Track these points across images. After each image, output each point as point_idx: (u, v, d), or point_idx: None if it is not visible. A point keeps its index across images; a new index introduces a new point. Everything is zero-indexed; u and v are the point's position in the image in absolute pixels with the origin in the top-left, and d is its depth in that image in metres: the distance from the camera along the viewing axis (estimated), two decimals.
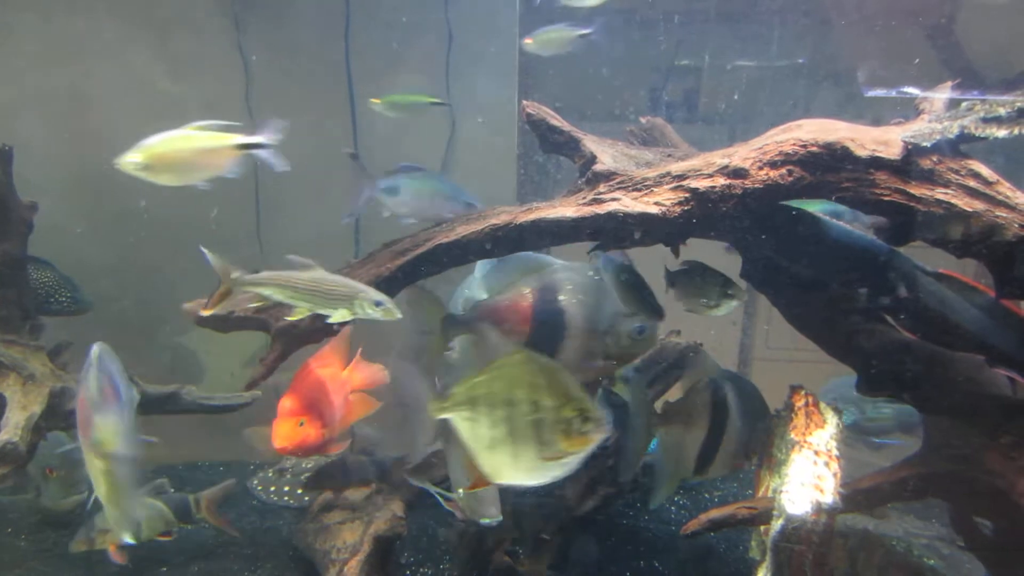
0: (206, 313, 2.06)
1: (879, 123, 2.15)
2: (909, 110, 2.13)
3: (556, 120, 2.26)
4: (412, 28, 3.47)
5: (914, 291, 2.06)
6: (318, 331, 2.20)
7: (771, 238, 2.13)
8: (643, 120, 2.62)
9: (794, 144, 1.86)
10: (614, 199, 1.93)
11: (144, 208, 3.27)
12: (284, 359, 2.26)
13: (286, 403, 2.20)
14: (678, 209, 1.88)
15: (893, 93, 3.96)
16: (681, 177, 1.91)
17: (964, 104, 1.84)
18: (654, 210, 1.87)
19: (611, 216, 1.89)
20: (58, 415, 2.43)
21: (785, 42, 3.88)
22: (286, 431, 2.14)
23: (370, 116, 3.56)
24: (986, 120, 1.75)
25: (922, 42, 3.89)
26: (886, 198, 1.79)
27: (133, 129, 3.09)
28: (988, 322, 2.02)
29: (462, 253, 2.11)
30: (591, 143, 2.20)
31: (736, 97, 4.72)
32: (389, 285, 2.19)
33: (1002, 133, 1.74)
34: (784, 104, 4.23)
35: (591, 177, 2.08)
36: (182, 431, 2.99)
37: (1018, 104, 1.76)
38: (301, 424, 2.14)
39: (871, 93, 3.86)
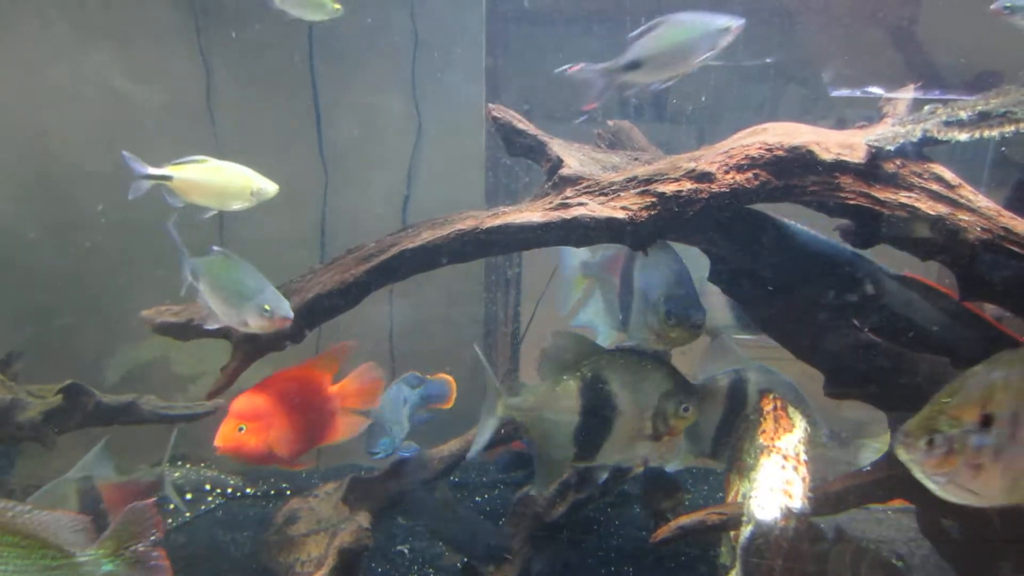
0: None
1: (844, 124, 2.16)
2: (874, 111, 2.14)
3: (522, 123, 2.24)
4: (377, 30, 3.43)
5: (878, 294, 2.07)
6: (280, 339, 2.14)
7: (737, 242, 2.12)
8: (610, 123, 2.61)
9: (760, 148, 1.85)
10: (581, 204, 1.91)
11: (101, 212, 3.19)
12: (245, 368, 2.20)
13: (236, 404, 2.15)
14: (645, 214, 1.86)
15: (858, 93, 4.06)
16: (648, 181, 1.90)
17: (927, 107, 1.85)
18: (621, 215, 1.85)
19: (577, 221, 1.87)
20: (7, 426, 2.34)
21: (753, 43, 3.89)
22: (225, 432, 2.12)
23: (335, 119, 3.52)
24: (948, 123, 1.76)
25: (886, 43, 3.97)
26: (851, 202, 1.79)
27: (89, 131, 3.02)
28: (952, 324, 2.04)
29: (428, 258, 2.07)
30: (557, 147, 2.18)
31: (704, 98, 4.75)
32: (354, 291, 2.15)
33: (964, 136, 1.75)
34: (751, 105, 4.26)
35: (557, 181, 2.06)
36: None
37: (979, 108, 1.76)
38: (241, 429, 2.10)
39: (836, 93, 3.94)
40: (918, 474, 1.36)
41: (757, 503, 1.79)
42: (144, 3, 3.38)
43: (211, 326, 2.06)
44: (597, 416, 2.11)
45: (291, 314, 1.98)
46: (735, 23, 2.08)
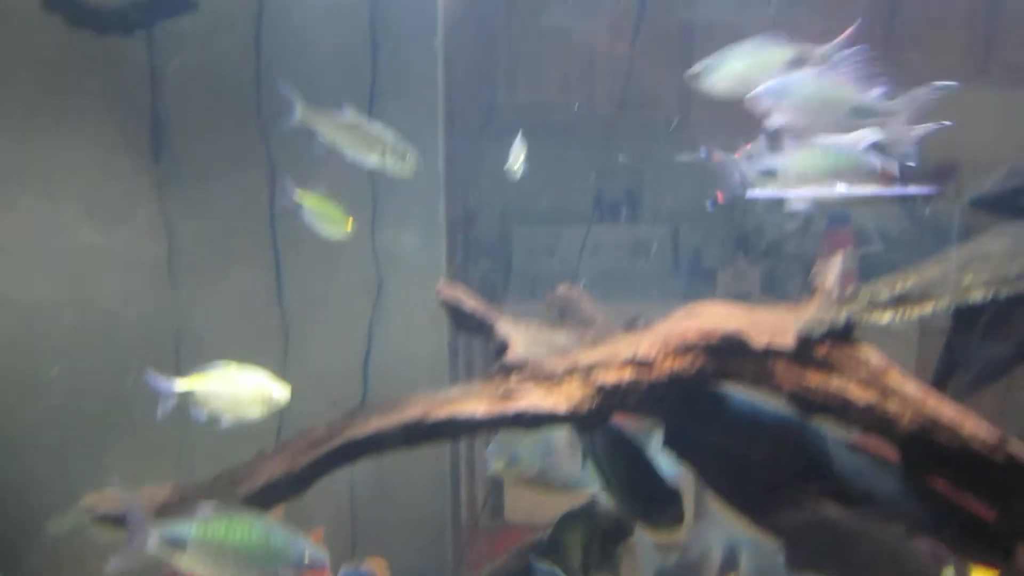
0: None
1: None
2: None
3: (470, 303, 2.30)
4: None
5: (828, 463, 2.09)
6: None
7: (687, 417, 2.14)
8: (560, 289, 2.67)
9: (696, 333, 1.91)
10: (525, 393, 1.94)
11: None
12: None
13: None
14: (587, 405, 1.89)
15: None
16: (589, 369, 1.93)
17: (850, 288, 1.92)
18: (563, 408, 1.88)
19: (520, 415, 1.90)
20: None
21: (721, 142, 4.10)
22: None
23: (296, 278, 3.57)
24: (871, 305, 1.83)
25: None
26: (786, 388, 1.83)
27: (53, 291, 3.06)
28: (902, 492, 2.05)
29: (375, 447, 2.08)
30: (504, 326, 2.22)
31: (677, 196, 4.94)
32: (302, 479, 2.13)
33: (886, 319, 1.81)
34: (722, 204, 4.46)
35: (504, 366, 2.10)
36: None
37: (898, 289, 1.84)
38: None
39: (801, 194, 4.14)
40: None
41: None
42: (108, 169, 3.46)
43: None
44: None
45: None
46: (889, 166, 1.96)
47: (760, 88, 1.97)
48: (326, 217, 2.74)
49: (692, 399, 2.10)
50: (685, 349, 1.90)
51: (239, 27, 3.20)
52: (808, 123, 1.98)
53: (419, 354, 3.59)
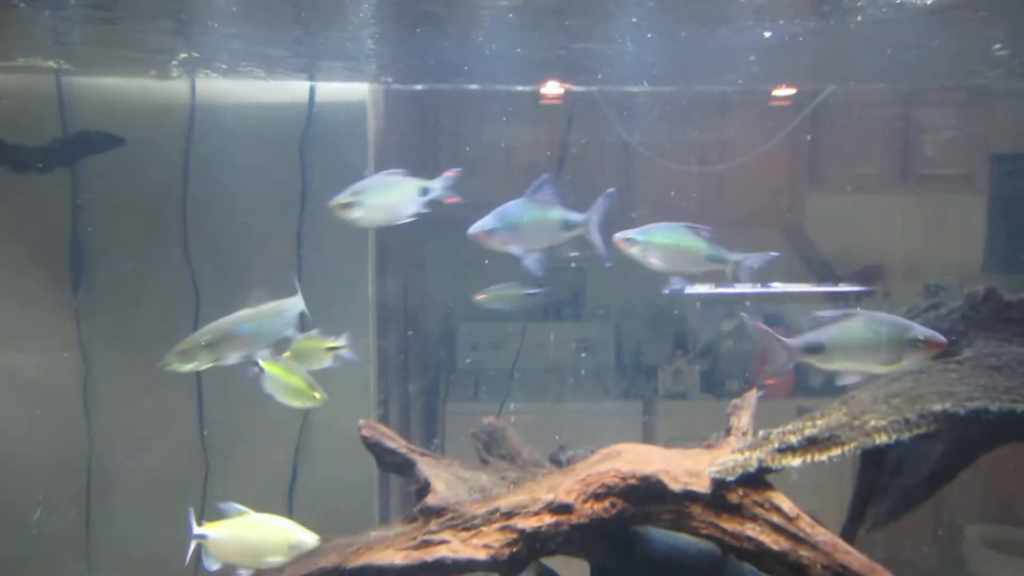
0: None
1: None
2: None
3: (391, 441, 2.29)
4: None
5: None
6: None
7: (610, 555, 2.13)
8: (485, 421, 2.67)
9: (615, 476, 1.92)
10: (444, 541, 1.90)
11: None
12: None
13: None
14: (507, 551, 1.87)
15: (759, 288, 4.50)
16: (509, 515, 1.92)
17: (760, 432, 1.98)
18: (482, 555, 1.85)
19: (439, 562, 1.86)
20: None
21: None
22: None
23: (218, 405, 3.48)
24: (781, 450, 1.88)
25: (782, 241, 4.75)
26: (703, 531, 1.85)
27: None
28: None
29: None
30: (425, 466, 2.21)
31: (619, 294, 5.03)
32: None
33: (796, 463, 1.86)
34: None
35: (424, 509, 2.07)
36: None
37: (807, 432, 1.90)
38: None
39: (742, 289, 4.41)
40: None
41: None
42: (23, 297, 3.36)
43: None
44: None
45: None
46: (936, 338, 2.04)
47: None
48: (290, 389, 2.57)
49: (615, 539, 2.09)
50: (605, 492, 1.91)
51: (166, 159, 3.23)
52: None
53: (346, 481, 3.49)
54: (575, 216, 2.43)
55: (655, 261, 2.35)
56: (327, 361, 2.60)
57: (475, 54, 3.06)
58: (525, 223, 2.38)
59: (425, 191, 2.52)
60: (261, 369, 2.47)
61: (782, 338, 2.15)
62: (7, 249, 3.26)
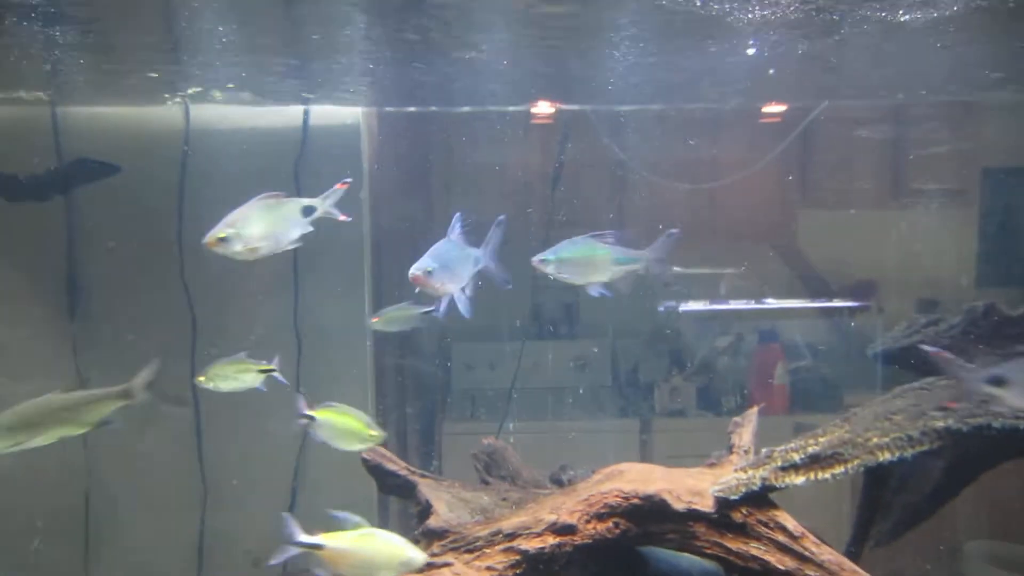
0: None
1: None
2: None
3: (392, 464, 2.28)
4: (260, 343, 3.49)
5: None
6: None
7: (614, 574, 2.11)
8: (484, 442, 2.66)
9: (617, 496, 1.91)
10: (447, 564, 1.90)
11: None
12: None
13: None
14: (510, 573, 1.85)
15: (753, 304, 4.52)
16: (512, 536, 1.91)
17: (763, 451, 1.97)
18: None
19: None
20: None
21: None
22: None
23: (217, 433, 3.45)
24: (784, 468, 1.87)
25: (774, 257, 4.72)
26: (708, 551, 1.83)
27: None
28: None
29: None
30: (426, 488, 2.19)
31: (615, 313, 5.01)
32: None
33: (800, 480, 1.85)
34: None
35: (426, 532, 2.05)
36: None
37: (810, 450, 1.89)
38: None
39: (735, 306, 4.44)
40: None
41: None
42: (21, 326, 3.33)
43: None
44: None
45: None
46: None
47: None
48: (346, 433, 2.31)
49: (619, 559, 2.07)
50: (608, 512, 1.90)
51: (162, 185, 3.23)
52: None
53: (345, 504, 3.46)
54: (476, 250, 2.35)
55: (571, 276, 2.34)
56: (257, 383, 2.54)
57: (467, 74, 3.08)
58: (454, 262, 2.29)
59: (309, 210, 2.28)
60: (311, 418, 2.27)
61: (967, 366, 1.98)
62: (4, 277, 3.24)
